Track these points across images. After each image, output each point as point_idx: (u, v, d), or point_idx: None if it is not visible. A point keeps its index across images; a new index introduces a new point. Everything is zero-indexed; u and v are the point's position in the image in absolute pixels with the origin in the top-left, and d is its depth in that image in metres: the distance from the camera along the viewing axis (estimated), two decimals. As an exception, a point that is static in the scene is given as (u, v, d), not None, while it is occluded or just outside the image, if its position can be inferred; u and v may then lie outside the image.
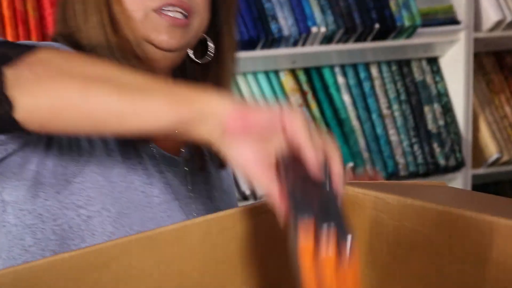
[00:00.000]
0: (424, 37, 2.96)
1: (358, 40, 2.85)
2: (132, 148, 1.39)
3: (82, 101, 1.04)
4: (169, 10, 1.36)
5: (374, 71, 2.98)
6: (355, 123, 2.91)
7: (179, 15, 1.37)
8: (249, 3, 2.70)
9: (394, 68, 3.02)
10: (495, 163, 3.10)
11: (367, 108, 2.94)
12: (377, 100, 2.96)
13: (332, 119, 2.85)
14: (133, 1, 1.37)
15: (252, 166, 1.01)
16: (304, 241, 0.92)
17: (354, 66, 2.95)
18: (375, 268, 1.25)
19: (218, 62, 1.48)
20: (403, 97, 3.00)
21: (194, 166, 1.49)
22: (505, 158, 3.09)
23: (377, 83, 2.98)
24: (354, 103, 2.92)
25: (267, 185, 1.00)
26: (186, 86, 1.04)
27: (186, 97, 1.03)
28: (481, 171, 3.11)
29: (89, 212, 1.31)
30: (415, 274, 1.20)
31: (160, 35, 1.37)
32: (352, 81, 2.93)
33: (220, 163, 1.51)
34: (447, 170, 3.00)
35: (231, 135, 1.00)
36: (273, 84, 2.81)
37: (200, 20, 1.41)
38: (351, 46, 2.83)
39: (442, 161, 2.98)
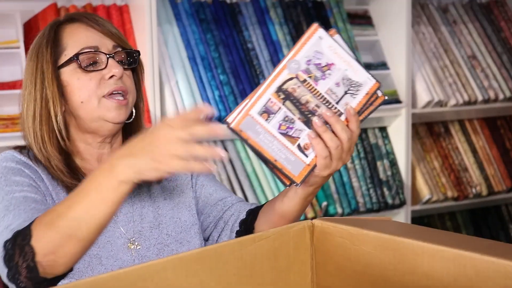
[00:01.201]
0: (376, 112, 2.93)
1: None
2: None
3: (72, 233, 1.18)
4: (114, 95, 1.44)
5: (341, 136, 2.98)
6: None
7: (121, 97, 1.45)
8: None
9: (355, 134, 3.02)
10: (427, 202, 3.10)
11: (337, 162, 2.94)
12: (343, 157, 2.96)
13: (311, 171, 2.85)
14: (88, 95, 1.44)
15: None
16: None
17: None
18: (342, 280, 1.24)
19: (138, 119, 1.56)
20: (362, 155, 3.00)
21: (136, 196, 1.54)
22: (435, 198, 3.09)
23: (343, 144, 2.98)
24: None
25: None
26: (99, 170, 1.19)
27: (106, 174, 1.16)
28: (417, 207, 3.09)
29: None
30: (370, 283, 1.19)
31: (111, 113, 1.44)
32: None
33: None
34: (394, 207, 2.99)
35: None
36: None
37: (132, 96, 1.50)
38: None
39: (390, 201, 2.97)
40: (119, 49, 1.48)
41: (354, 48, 2.94)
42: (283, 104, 1.17)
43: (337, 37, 1.19)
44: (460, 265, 1.01)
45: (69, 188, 1.44)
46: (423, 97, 3.04)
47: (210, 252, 1.11)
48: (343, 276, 1.24)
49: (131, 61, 1.51)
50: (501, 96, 3.19)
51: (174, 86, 2.58)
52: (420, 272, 1.07)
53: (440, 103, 3.08)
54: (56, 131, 1.46)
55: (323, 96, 1.19)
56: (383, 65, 3.05)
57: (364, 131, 3.03)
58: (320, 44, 1.17)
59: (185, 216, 1.55)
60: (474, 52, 3.22)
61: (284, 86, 1.17)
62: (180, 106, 2.55)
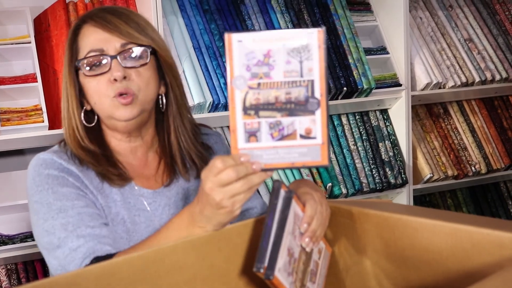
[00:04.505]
0: (377, 95, 2.97)
1: (332, 98, 2.86)
2: (127, 193, 1.48)
3: None
4: (121, 95, 1.42)
5: (344, 119, 2.99)
6: (332, 155, 2.92)
7: (127, 97, 1.43)
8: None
9: (357, 117, 3.02)
10: (428, 180, 3.10)
11: (340, 145, 2.95)
12: (346, 139, 2.96)
13: (315, 154, 2.86)
14: (99, 98, 1.44)
15: None
16: None
17: (330, 116, 2.96)
18: (345, 257, 1.26)
19: (170, 108, 1.54)
20: (364, 136, 3.01)
21: (173, 192, 1.52)
22: (435, 177, 3.09)
23: (346, 127, 2.98)
24: (331, 142, 2.93)
25: None
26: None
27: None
28: (419, 186, 3.10)
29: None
30: (372, 259, 1.21)
31: (118, 112, 1.44)
32: (329, 127, 2.94)
33: (197, 173, 1.56)
34: (396, 186, 3.00)
35: None
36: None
37: (143, 93, 1.45)
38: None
39: (392, 180, 2.98)
40: (130, 46, 1.44)
41: (354, 34, 2.94)
42: (259, 117, 1.09)
43: (249, 32, 1.11)
44: (457, 238, 1.02)
45: (110, 180, 1.46)
46: (422, 80, 3.04)
47: (219, 235, 1.13)
48: (346, 253, 1.25)
49: (144, 56, 1.46)
50: (497, 77, 3.19)
51: (181, 75, 2.59)
52: (419, 246, 1.09)
53: (438, 85, 3.08)
54: (75, 130, 1.47)
55: (284, 82, 1.10)
56: (383, 50, 3.05)
57: (366, 113, 3.04)
58: (244, 45, 1.09)
59: None
60: (470, 35, 3.22)
61: (247, 104, 1.09)
62: (187, 96, 2.56)
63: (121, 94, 1.42)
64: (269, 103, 1.09)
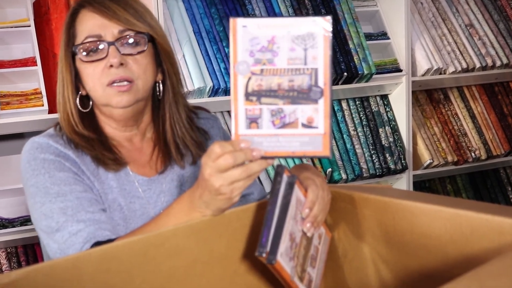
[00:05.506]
0: (377, 80, 2.97)
1: (332, 83, 2.86)
2: (122, 180, 1.48)
3: None
4: (116, 83, 1.42)
5: (344, 105, 2.99)
6: (332, 140, 2.91)
7: (123, 83, 1.42)
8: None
9: (357, 102, 3.02)
10: (428, 166, 3.11)
11: (340, 130, 2.95)
12: (346, 125, 2.96)
13: (315, 139, 2.85)
14: (93, 84, 1.44)
15: None
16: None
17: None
18: (345, 242, 1.26)
19: (166, 95, 1.53)
20: (364, 122, 3.01)
21: (167, 180, 1.53)
22: (435, 162, 3.10)
23: (346, 113, 2.98)
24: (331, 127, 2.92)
25: None
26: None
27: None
28: (419, 172, 3.11)
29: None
30: (372, 244, 1.21)
31: (114, 99, 1.43)
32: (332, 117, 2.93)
33: (192, 160, 1.56)
34: (396, 172, 3.00)
35: None
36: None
37: (142, 80, 1.45)
38: (327, 88, 2.83)
39: (392, 166, 2.98)
40: (128, 33, 1.44)
41: (354, 19, 2.93)
42: (261, 104, 1.08)
43: (253, 18, 1.11)
44: (456, 224, 1.02)
45: (105, 164, 1.46)
46: (422, 65, 3.04)
47: (219, 219, 1.13)
48: (345, 239, 1.26)
49: (142, 43, 1.45)
50: (498, 63, 3.18)
51: (181, 60, 2.59)
52: (418, 231, 1.09)
53: (439, 71, 3.08)
54: (69, 115, 1.47)
55: (288, 69, 1.08)
56: (383, 35, 3.05)
57: (366, 99, 3.04)
58: (248, 31, 1.08)
59: None
60: (471, 20, 3.21)
61: (249, 90, 1.08)
62: (187, 80, 2.56)
63: (114, 82, 1.42)
64: (271, 90, 1.08)
